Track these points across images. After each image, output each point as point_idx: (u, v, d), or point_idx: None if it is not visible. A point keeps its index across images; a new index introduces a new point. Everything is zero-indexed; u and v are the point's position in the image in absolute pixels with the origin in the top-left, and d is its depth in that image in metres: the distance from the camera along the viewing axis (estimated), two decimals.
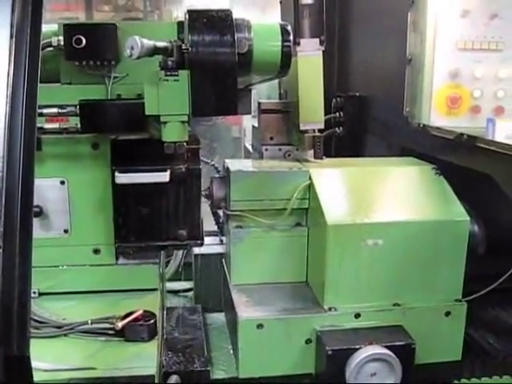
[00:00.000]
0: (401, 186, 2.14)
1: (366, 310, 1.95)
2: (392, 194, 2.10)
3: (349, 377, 1.81)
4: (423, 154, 2.30)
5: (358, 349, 1.83)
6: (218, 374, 2.01)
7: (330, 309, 1.95)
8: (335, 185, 2.12)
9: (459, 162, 2.10)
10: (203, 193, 2.15)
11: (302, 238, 2.15)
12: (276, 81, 2.72)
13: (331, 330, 1.91)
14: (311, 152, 2.42)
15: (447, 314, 1.99)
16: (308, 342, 1.93)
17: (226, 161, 2.24)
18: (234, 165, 2.17)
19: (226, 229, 2.27)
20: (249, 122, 2.89)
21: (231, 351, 2.13)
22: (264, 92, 3.01)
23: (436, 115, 2.26)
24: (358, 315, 1.94)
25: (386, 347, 1.83)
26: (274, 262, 2.15)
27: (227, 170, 2.15)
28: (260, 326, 1.90)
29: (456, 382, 2.04)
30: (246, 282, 2.16)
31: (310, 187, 2.09)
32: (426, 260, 1.97)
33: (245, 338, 1.93)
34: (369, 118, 2.80)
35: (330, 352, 1.82)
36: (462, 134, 2.01)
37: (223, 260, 2.40)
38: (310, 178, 2.09)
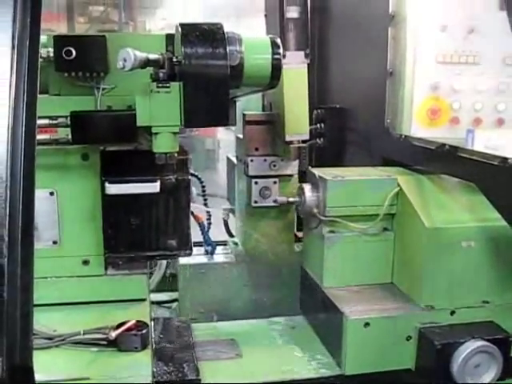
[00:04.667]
0: (474, 194, 2.14)
1: (460, 308, 2.05)
2: (472, 201, 2.15)
3: (456, 369, 1.91)
4: (404, 164, 2.36)
5: (463, 342, 1.93)
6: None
7: (427, 307, 2.04)
8: (422, 191, 2.19)
9: (440, 171, 2.17)
10: (291, 199, 2.30)
11: (388, 242, 2.24)
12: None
13: (432, 327, 2.01)
14: (295, 162, 2.48)
15: None
16: (408, 338, 2.02)
17: (313, 170, 2.30)
18: (324, 173, 2.23)
19: (316, 233, 2.31)
20: (223, 134, 2.91)
21: (217, 359, 2.16)
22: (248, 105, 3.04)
23: (416, 126, 2.31)
24: (453, 312, 2.04)
25: (487, 340, 1.93)
26: (362, 265, 2.24)
27: (319, 178, 2.21)
28: (367, 324, 1.99)
29: None
30: (337, 285, 2.23)
31: (399, 194, 2.18)
32: None
33: (352, 337, 2.01)
34: (350, 129, 2.85)
35: (439, 346, 1.92)
36: (443, 145, 2.07)
37: (305, 264, 2.46)
38: (399, 185, 2.18)
